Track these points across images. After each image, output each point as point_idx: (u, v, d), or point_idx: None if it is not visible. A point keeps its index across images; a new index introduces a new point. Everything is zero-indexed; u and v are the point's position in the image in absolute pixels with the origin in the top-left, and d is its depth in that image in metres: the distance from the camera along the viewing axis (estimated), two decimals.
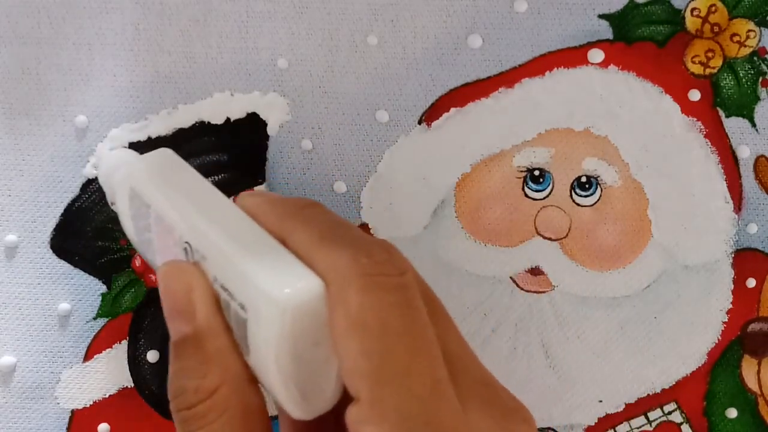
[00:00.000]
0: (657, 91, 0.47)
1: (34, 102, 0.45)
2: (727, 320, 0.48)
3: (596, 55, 0.46)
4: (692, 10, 0.47)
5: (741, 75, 0.47)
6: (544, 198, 0.47)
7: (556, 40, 0.46)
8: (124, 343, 0.46)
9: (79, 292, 0.46)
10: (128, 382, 0.46)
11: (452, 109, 0.46)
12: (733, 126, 0.47)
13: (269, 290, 0.31)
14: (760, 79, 0.47)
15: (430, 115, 0.46)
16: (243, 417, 0.33)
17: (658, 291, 0.47)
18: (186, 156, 0.41)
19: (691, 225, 0.47)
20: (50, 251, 0.46)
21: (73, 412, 0.46)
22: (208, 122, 0.46)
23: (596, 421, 0.48)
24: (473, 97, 0.46)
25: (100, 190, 0.45)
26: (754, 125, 0.47)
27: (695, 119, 0.47)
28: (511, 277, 0.47)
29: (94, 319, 0.46)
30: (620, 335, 0.47)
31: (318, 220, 0.33)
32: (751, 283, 0.48)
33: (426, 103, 0.46)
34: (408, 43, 0.46)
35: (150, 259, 0.39)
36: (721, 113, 0.47)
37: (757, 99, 0.47)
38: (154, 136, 0.45)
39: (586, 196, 0.47)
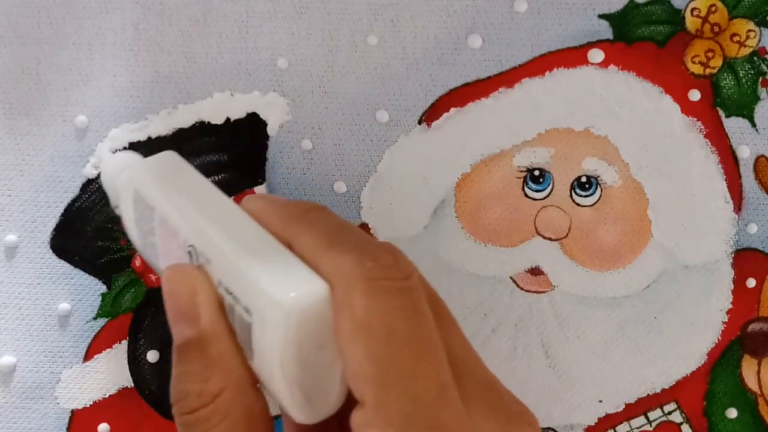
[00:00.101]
0: (657, 91, 0.47)
1: (34, 102, 0.45)
2: (727, 320, 0.48)
3: (596, 55, 0.46)
4: (692, 10, 0.47)
5: (741, 75, 0.47)
6: (544, 198, 0.47)
7: (556, 40, 0.46)
8: (124, 343, 0.46)
9: (79, 292, 0.46)
10: (128, 382, 0.46)
11: (452, 109, 0.46)
12: (733, 126, 0.47)
13: (274, 294, 0.31)
14: (760, 79, 0.47)
15: (430, 115, 0.46)
16: (246, 421, 0.32)
17: (658, 291, 0.47)
18: (186, 156, 0.40)
19: (691, 225, 0.47)
20: (50, 251, 0.45)
21: (73, 412, 0.46)
22: (208, 122, 0.46)
23: (596, 421, 0.48)
24: (473, 97, 0.46)
25: (100, 190, 0.45)
26: (754, 125, 0.47)
27: (695, 119, 0.47)
28: (511, 277, 0.47)
29: (94, 319, 0.46)
30: (620, 335, 0.48)
31: (323, 224, 0.33)
32: (751, 283, 0.48)
33: (426, 103, 0.46)
34: (408, 43, 0.46)
35: (154, 262, 0.38)
36: (721, 113, 0.47)
37: (757, 99, 0.47)
38: (154, 136, 0.45)
39: (586, 196, 0.47)
